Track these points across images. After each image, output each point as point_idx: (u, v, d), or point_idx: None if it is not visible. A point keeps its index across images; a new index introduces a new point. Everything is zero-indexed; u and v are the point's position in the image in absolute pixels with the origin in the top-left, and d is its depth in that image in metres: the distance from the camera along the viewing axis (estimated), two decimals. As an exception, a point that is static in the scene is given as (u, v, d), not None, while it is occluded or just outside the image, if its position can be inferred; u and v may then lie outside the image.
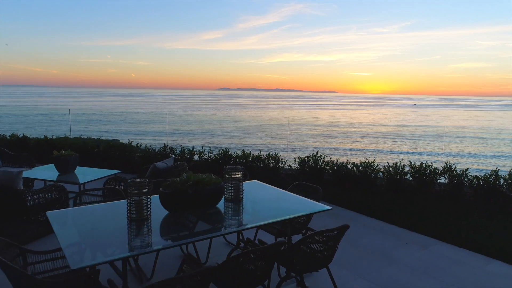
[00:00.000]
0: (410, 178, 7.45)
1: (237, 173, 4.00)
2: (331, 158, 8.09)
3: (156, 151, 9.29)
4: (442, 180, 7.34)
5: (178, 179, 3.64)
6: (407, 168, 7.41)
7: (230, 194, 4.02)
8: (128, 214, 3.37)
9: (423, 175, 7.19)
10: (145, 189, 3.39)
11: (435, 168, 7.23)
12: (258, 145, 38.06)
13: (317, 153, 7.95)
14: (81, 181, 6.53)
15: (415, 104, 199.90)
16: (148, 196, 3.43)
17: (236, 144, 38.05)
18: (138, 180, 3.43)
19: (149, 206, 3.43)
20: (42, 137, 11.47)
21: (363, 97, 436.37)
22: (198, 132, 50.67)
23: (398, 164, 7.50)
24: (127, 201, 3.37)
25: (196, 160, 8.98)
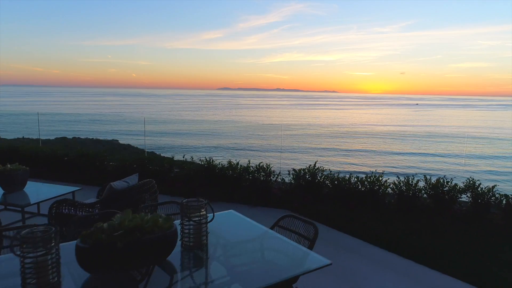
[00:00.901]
0: (425, 195, 6.28)
1: (199, 210, 2.85)
2: (331, 171, 6.90)
3: (131, 161, 8.11)
4: (464, 198, 6.18)
5: (105, 224, 2.47)
6: (421, 184, 6.24)
7: (190, 239, 2.87)
8: (22, 284, 2.21)
9: (441, 193, 6.03)
10: (49, 242, 2.24)
11: (455, 185, 6.06)
12: (252, 146, 36.96)
13: (314, 165, 6.77)
14: (32, 201, 5.42)
15: (417, 104, 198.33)
16: (55, 252, 2.28)
17: (237, 145, 37.00)
18: (31, 230, 2.26)
19: (55, 267, 2.28)
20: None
21: (364, 97, 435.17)
22: (188, 132, 49.76)
23: (410, 179, 6.32)
24: (20, 261, 2.21)
25: (177, 171, 7.83)
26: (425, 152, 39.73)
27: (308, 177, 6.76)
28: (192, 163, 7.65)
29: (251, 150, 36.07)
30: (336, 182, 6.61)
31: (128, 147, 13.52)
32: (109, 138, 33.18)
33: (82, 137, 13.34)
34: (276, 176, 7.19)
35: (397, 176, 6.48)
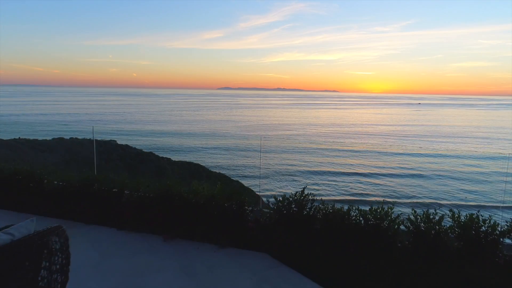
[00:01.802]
0: (451, 235, 4.58)
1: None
2: (323, 201, 4.93)
3: (77, 179, 5.80)
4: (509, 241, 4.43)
5: None
6: (447, 221, 4.50)
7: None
8: None
9: (476, 235, 4.32)
10: None
11: (495, 224, 4.31)
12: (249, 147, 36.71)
13: (302, 192, 4.97)
14: None
15: (419, 103, 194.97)
16: None
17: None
18: None
19: None
20: None
21: (365, 96, 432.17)
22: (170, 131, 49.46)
23: (432, 213, 4.48)
24: None
25: (128, 194, 5.60)
26: (434, 152, 39.22)
27: (294, 208, 4.91)
28: (158, 181, 5.59)
29: (242, 151, 35.97)
30: (330, 213, 4.84)
31: (125, 147, 13.38)
32: (108, 138, 32.98)
33: (80, 137, 13.16)
34: (252, 207, 5.19)
35: (412, 209, 4.54)
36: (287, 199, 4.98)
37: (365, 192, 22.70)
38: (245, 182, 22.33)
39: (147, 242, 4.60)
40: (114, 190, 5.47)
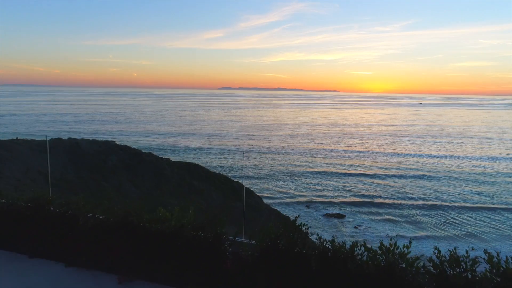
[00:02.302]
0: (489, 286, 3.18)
1: None
2: (320, 237, 3.54)
3: (24, 199, 4.55)
4: None
5: None
6: (482, 266, 3.34)
7: None
8: None
9: None
10: None
11: None
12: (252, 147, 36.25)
13: (294, 222, 3.75)
14: None
15: (420, 103, 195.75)
16: None
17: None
18: None
19: None
20: None
21: (366, 96, 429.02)
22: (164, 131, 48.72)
23: (463, 256, 3.29)
24: None
25: (82, 221, 4.34)
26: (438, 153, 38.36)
27: (283, 247, 3.72)
28: (121, 202, 4.41)
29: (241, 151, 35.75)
30: (329, 252, 3.58)
31: (124, 148, 13.19)
32: (107, 138, 32.60)
33: (79, 137, 12.98)
34: (231, 240, 3.83)
35: (435, 248, 3.32)
36: (274, 233, 3.77)
37: (371, 194, 22.36)
38: (246, 182, 22.11)
39: (99, 284, 3.59)
40: (68, 213, 4.30)
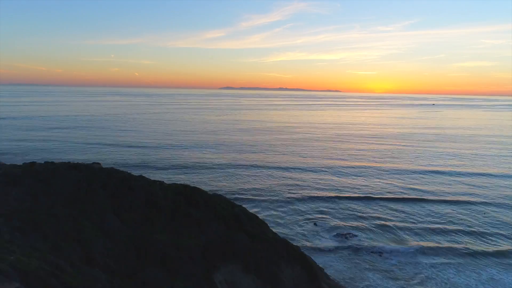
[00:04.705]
0: None
1: None
2: None
3: None
4: None
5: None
6: None
7: None
8: None
9: None
10: None
11: None
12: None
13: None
14: None
15: (433, 104, 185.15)
16: None
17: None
18: None
19: None
20: None
21: (370, 97, 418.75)
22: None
23: None
24: None
25: None
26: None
27: None
28: None
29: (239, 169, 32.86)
30: None
31: (111, 171, 11.44)
32: (96, 148, 30.21)
33: (57, 158, 11.31)
34: None
35: None
36: None
37: (382, 216, 20.33)
38: (250, 205, 19.90)
39: None
40: None
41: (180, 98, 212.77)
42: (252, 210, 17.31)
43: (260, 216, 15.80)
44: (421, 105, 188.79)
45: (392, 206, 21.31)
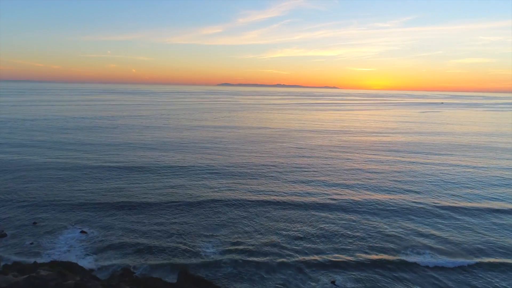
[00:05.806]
0: None
1: None
2: None
3: None
4: None
5: None
6: None
7: None
8: None
9: None
10: None
11: None
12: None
13: None
14: None
15: (442, 103, 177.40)
16: None
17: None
18: None
19: None
20: None
21: (369, 94, 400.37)
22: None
23: None
24: None
25: None
26: None
27: None
28: None
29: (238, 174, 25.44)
30: None
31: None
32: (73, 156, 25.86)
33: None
34: None
35: None
36: None
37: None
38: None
39: None
40: None
41: (178, 96, 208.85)
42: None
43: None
44: (429, 103, 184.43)
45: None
